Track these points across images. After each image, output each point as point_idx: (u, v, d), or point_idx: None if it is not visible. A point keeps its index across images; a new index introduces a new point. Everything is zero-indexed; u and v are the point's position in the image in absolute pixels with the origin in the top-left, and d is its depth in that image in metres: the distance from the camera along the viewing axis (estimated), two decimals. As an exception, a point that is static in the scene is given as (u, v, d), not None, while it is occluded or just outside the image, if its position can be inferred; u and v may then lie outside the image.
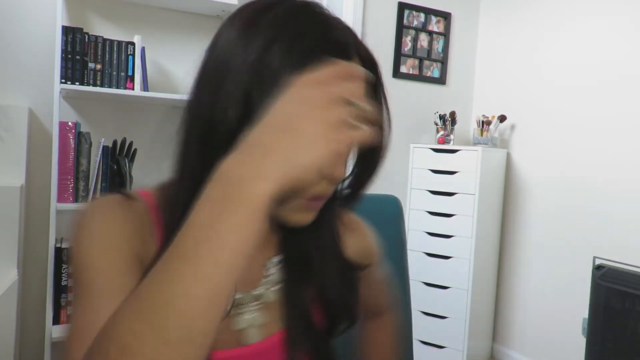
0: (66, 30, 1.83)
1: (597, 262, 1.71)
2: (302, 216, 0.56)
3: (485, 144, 2.73)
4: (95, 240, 0.54)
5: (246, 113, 0.51)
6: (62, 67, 1.81)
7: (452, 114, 2.79)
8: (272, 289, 0.64)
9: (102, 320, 0.43)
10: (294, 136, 0.41)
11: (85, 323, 0.49)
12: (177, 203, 0.55)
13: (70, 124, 1.83)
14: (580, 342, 1.93)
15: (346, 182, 0.61)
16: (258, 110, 0.47)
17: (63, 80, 1.82)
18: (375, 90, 0.57)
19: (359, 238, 0.73)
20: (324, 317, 0.65)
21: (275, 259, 0.65)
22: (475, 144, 2.77)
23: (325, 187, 0.54)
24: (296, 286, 0.64)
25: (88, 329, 0.48)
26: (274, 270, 0.64)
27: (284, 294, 0.64)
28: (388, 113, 0.59)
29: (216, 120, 0.53)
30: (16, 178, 1.85)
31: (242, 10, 0.57)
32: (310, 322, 0.64)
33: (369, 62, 0.56)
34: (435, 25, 2.92)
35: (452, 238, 2.57)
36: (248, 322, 0.61)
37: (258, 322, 0.62)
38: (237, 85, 0.51)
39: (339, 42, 0.54)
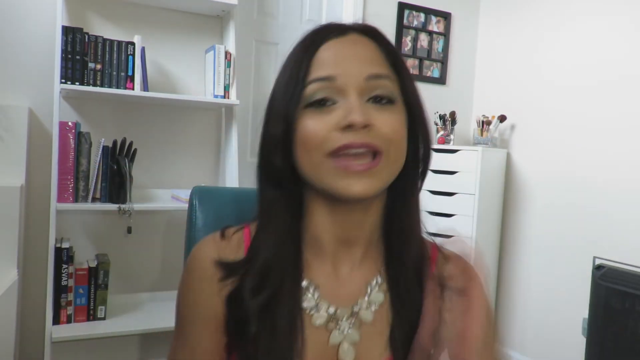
0: (66, 30, 1.83)
1: (597, 262, 1.71)
2: (352, 184, 0.55)
3: (485, 144, 2.73)
4: (188, 293, 0.65)
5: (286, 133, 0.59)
6: (62, 67, 1.81)
7: (452, 114, 2.79)
8: (370, 309, 0.63)
9: (184, 355, 0.64)
10: None
11: (174, 355, 0.66)
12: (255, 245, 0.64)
13: (70, 124, 1.83)
14: (580, 342, 1.94)
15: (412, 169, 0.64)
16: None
17: (63, 80, 1.82)
18: (388, 54, 0.61)
19: (457, 266, 0.68)
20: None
21: (378, 279, 0.64)
22: (475, 144, 2.77)
23: (352, 136, 0.55)
24: (397, 308, 0.63)
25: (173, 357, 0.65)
26: (374, 290, 0.64)
27: (389, 317, 0.63)
28: (408, 75, 0.62)
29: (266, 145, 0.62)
30: (16, 178, 1.85)
31: None
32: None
33: (370, 32, 0.61)
34: (435, 25, 2.92)
35: (452, 238, 2.56)
36: (342, 337, 0.61)
37: (352, 339, 0.61)
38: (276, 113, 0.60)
39: (331, 29, 0.61)
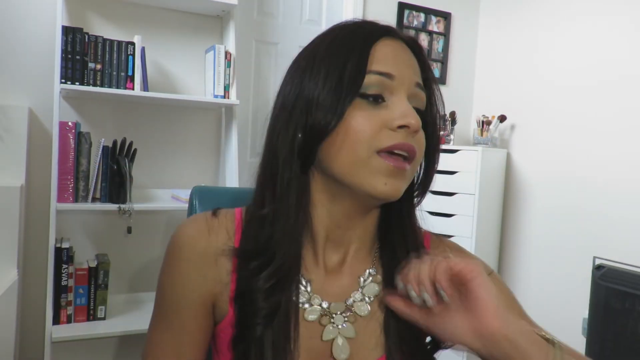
0: (66, 30, 1.83)
1: (597, 262, 1.71)
2: (388, 183, 0.55)
3: (485, 144, 2.73)
4: (174, 273, 0.62)
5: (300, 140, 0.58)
6: (62, 67, 1.81)
7: (452, 114, 2.79)
8: (365, 301, 0.62)
9: (167, 340, 0.62)
10: None
11: (156, 341, 0.64)
12: (250, 229, 0.61)
13: (70, 124, 1.83)
14: (580, 342, 1.93)
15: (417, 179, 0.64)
16: (310, 136, 0.56)
17: (63, 80, 1.82)
18: (422, 72, 0.61)
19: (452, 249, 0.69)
20: (425, 334, 0.62)
21: (371, 270, 0.63)
22: (475, 144, 2.77)
23: (401, 137, 0.56)
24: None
25: (157, 346, 0.63)
26: (367, 281, 0.63)
27: (384, 312, 0.61)
28: (439, 92, 0.63)
29: (276, 152, 0.60)
30: (16, 178, 1.85)
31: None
32: (414, 342, 0.61)
33: (414, 45, 0.61)
34: (435, 25, 2.92)
35: (452, 238, 2.57)
36: (336, 332, 0.60)
37: (347, 334, 0.60)
38: (287, 114, 0.59)
39: (382, 28, 0.60)
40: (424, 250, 0.64)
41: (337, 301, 0.61)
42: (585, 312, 1.74)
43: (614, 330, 1.58)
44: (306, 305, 0.60)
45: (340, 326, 0.60)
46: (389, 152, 0.55)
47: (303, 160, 0.59)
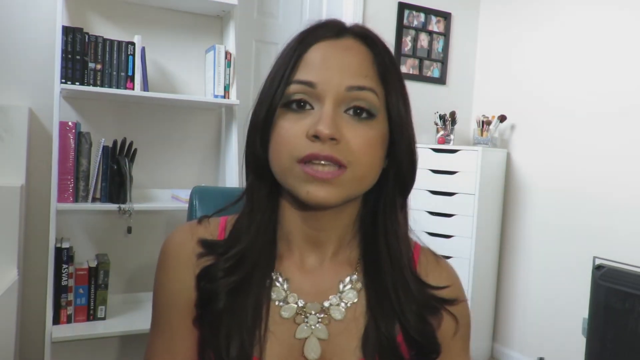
0: (66, 30, 1.83)
1: (597, 262, 1.71)
2: (314, 190, 0.55)
3: (485, 144, 2.73)
4: (162, 281, 0.64)
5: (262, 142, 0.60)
6: (62, 67, 1.81)
7: (452, 114, 2.79)
8: (340, 307, 0.62)
9: (161, 345, 0.64)
10: None
11: (152, 345, 0.66)
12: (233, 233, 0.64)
13: (70, 124, 1.83)
14: (580, 342, 1.93)
15: (391, 175, 0.62)
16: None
17: (63, 80, 1.82)
18: (380, 65, 0.60)
19: (442, 276, 0.68)
20: (409, 348, 0.62)
21: (352, 277, 0.64)
22: (475, 144, 2.77)
23: (317, 146, 0.55)
24: (374, 312, 0.61)
25: (153, 350, 0.65)
26: (346, 287, 0.63)
27: (363, 318, 0.62)
28: (398, 90, 0.60)
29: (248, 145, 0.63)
30: (16, 178, 1.85)
31: None
32: (392, 355, 0.60)
33: (368, 38, 0.61)
34: (435, 25, 2.92)
35: (452, 238, 2.57)
36: (309, 332, 0.60)
37: (320, 335, 0.60)
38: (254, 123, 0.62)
39: (322, 31, 0.60)
40: (410, 263, 0.64)
41: (314, 301, 0.62)
42: (585, 312, 1.75)
43: (614, 330, 1.58)
44: (282, 303, 0.62)
45: (313, 326, 0.61)
46: (311, 161, 0.55)
47: (251, 158, 0.63)
